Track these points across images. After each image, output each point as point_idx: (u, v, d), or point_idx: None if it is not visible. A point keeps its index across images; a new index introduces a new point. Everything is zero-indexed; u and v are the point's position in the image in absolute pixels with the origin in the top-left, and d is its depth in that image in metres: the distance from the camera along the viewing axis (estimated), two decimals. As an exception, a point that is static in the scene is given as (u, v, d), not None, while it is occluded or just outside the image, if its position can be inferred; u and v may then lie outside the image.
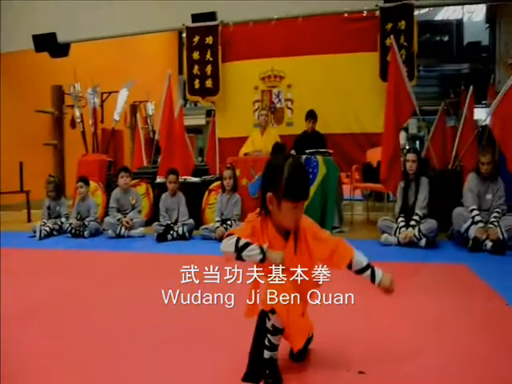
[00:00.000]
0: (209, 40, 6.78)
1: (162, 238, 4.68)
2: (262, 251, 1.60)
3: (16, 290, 3.03)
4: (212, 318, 2.19)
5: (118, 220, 5.03)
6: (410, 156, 4.40)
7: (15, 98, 8.54)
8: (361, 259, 1.71)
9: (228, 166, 4.95)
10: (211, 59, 6.75)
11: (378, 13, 6.12)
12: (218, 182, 5.31)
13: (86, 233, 5.10)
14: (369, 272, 1.72)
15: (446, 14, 18.02)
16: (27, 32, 7.54)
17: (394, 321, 2.35)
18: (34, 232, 5.15)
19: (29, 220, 6.53)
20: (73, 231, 5.12)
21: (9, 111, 8.36)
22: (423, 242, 4.09)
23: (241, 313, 1.71)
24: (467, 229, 4.03)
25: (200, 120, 13.15)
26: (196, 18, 6.85)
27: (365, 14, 6.38)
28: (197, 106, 12.94)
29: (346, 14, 6.47)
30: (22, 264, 3.95)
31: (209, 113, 12.31)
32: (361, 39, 6.25)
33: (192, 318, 2.21)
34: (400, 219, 4.27)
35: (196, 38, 6.82)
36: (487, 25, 15.39)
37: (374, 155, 5.75)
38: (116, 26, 7.37)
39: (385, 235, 4.26)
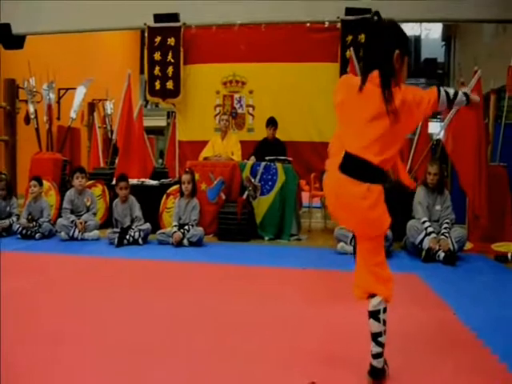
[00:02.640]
0: (171, 41, 6.70)
1: (120, 241, 4.55)
2: (466, 95, 1.82)
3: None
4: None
5: (72, 222, 4.87)
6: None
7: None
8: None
9: (187, 170, 4.91)
10: (173, 61, 6.67)
11: (339, 25, 6.26)
12: (177, 186, 5.25)
13: (37, 235, 4.90)
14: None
15: (405, 29, 18.56)
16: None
17: (341, 328, 2.39)
18: (-19, 232, 4.91)
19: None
20: (23, 232, 4.92)
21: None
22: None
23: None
24: (421, 240, 4.18)
25: (161, 121, 12.97)
26: (158, 18, 6.75)
27: (326, 25, 6.49)
28: (158, 107, 12.74)
29: (308, 24, 6.58)
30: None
31: (170, 114, 12.17)
32: (322, 49, 6.36)
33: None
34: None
35: (158, 39, 6.73)
36: (443, 42, 16.08)
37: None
38: (76, 20, 7.13)
39: (341, 244, 4.35)
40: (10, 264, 3.77)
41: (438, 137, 6.52)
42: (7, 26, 7.24)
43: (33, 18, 7.22)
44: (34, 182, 5.14)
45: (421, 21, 14.09)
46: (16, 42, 7.45)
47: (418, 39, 18.41)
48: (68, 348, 2.07)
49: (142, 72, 12.13)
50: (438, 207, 4.35)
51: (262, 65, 6.58)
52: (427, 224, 4.22)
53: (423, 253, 4.09)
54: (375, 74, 1.69)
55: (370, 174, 1.69)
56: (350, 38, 6.17)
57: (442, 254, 4.00)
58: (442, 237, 4.12)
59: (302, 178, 5.91)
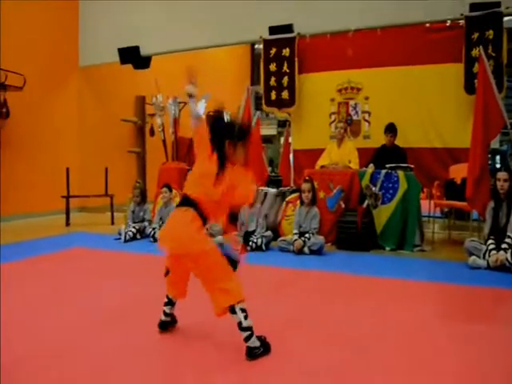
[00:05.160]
0: (286, 52, 6.85)
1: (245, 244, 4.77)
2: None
3: (105, 290, 3.23)
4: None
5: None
6: (502, 175, 4.18)
7: (101, 107, 9.10)
8: None
9: (307, 178, 4.94)
10: (288, 71, 6.81)
11: (462, 22, 5.90)
12: (295, 194, 5.33)
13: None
14: None
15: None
16: (109, 46, 8.07)
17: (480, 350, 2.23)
18: (119, 234, 5.45)
19: (112, 222, 6.91)
20: (155, 236, 5.36)
21: (95, 120, 8.95)
22: (517, 266, 3.85)
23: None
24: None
25: (271, 130, 13.26)
26: (273, 30, 6.95)
27: (448, 23, 6.16)
28: (268, 116, 13.09)
29: (427, 25, 6.29)
30: (111, 265, 4.19)
31: (280, 123, 12.42)
32: (443, 50, 6.04)
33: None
34: (490, 241, 4.05)
35: (273, 50, 6.92)
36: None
37: (458, 171, 5.51)
38: (194, 39, 7.67)
39: (473, 257, 4.05)
40: (144, 265, 4.14)
41: None
42: (136, 49, 8.01)
43: (157, 40, 7.91)
44: (165, 189, 5.60)
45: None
46: (143, 62, 8.21)
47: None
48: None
49: (252, 83, 12.59)
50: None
51: (378, 70, 6.43)
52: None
53: None
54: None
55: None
56: (476, 35, 5.79)
57: None
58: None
59: (423, 185, 5.64)
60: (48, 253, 4.62)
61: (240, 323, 2.06)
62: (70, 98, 8.64)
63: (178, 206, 2.23)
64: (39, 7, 7.87)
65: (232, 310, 2.06)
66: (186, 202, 2.15)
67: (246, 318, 2.07)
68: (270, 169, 12.05)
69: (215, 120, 2.25)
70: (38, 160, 7.88)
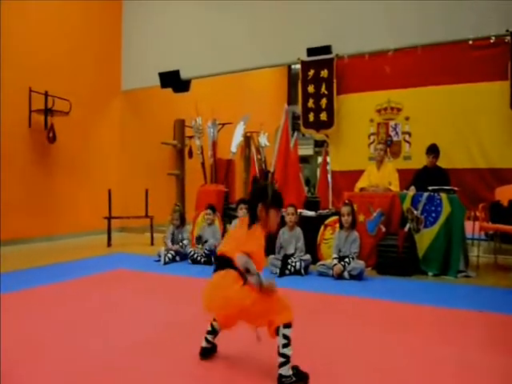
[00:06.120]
0: (324, 73, 6.86)
1: (282, 273, 4.72)
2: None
3: (149, 312, 3.26)
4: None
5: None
6: None
7: (142, 130, 9.40)
8: None
9: (346, 202, 4.87)
10: (326, 92, 6.81)
11: (508, 38, 5.74)
12: (334, 217, 5.26)
13: (202, 259, 5.41)
14: None
15: None
16: (150, 70, 8.34)
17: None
18: (159, 256, 5.54)
19: (152, 243, 7.04)
20: (194, 257, 5.45)
21: (137, 143, 9.23)
22: None
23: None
24: None
25: (308, 150, 13.25)
26: (311, 51, 6.99)
27: (493, 40, 6.01)
28: (304, 136, 13.10)
29: (470, 42, 6.15)
30: (153, 287, 4.24)
31: (317, 143, 12.39)
32: (487, 68, 5.90)
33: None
34: (542, 269, 3.84)
35: (311, 72, 6.95)
36: None
37: (505, 193, 5.30)
38: (233, 62, 7.83)
39: (523, 285, 3.86)
40: (187, 288, 4.17)
41: None
42: (176, 73, 8.24)
43: (196, 64, 8.11)
44: (209, 211, 5.77)
45: None
46: (183, 85, 8.43)
47: None
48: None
49: (289, 103, 12.67)
50: None
51: (419, 89, 6.33)
52: None
53: None
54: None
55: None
56: (523, 51, 5.62)
57: None
58: None
59: (467, 208, 5.45)
60: (92, 274, 4.75)
61: (280, 347, 2.07)
62: (112, 122, 8.97)
63: (215, 270, 2.22)
64: (82, 33, 8.28)
65: (277, 331, 2.08)
66: (224, 263, 2.16)
67: (286, 345, 2.06)
68: (306, 188, 12.05)
69: (253, 182, 2.37)
70: (82, 182, 8.19)
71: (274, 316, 2.09)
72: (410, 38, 6.41)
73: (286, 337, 2.07)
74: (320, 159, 10.94)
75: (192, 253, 5.49)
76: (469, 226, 5.95)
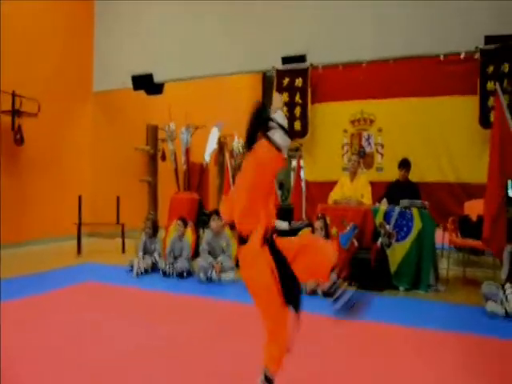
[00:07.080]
0: (298, 82, 6.86)
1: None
2: None
3: (116, 332, 3.18)
4: None
5: (209, 263, 5.14)
6: None
7: (114, 134, 9.16)
8: None
9: (319, 216, 4.89)
10: (300, 101, 6.82)
11: (477, 55, 5.88)
12: (308, 230, 5.26)
13: (174, 273, 5.31)
14: None
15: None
16: (123, 72, 8.17)
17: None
18: (131, 267, 5.45)
19: (123, 251, 6.91)
20: (164, 270, 5.35)
21: (108, 147, 8.99)
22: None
23: None
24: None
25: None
26: (286, 60, 6.98)
27: (462, 56, 6.14)
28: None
29: (441, 57, 6.27)
30: (123, 302, 4.15)
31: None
32: (458, 82, 6.03)
33: None
34: (508, 287, 3.95)
35: (286, 80, 6.95)
36: None
37: (473, 208, 5.43)
38: (207, 66, 7.74)
39: (490, 303, 3.94)
40: (157, 304, 4.10)
41: None
42: (149, 77, 8.10)
43: (170, 67, 7.99)
44: (179, 222, 5.63)
45: None
46: (156, 88, 8.29)
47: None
48: None
49: (264, 106, 12.55)
50: None
51: (392, 101, 6.42)
52: None
53: None
54: None
55: None
56: (491, 68, 5.78)
57: None
58: None
59: (436, 221, 5.55)
60: (60, 288, 4.61)
61: None
62: (83, 125, 8.73)
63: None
64: (54, 32, 8.02)
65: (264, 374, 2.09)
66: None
67: None
68: (280, 192, 12.01)
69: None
70: (51, 186, 7.94)
71: (271, 345, 2.06)
72: (384, 50, 6.49)
73: (268, 380, 2.09)
74: (294, 163, 10.96)
75: (164, 267, 5.41)
76: (439, 235, 6.09)
